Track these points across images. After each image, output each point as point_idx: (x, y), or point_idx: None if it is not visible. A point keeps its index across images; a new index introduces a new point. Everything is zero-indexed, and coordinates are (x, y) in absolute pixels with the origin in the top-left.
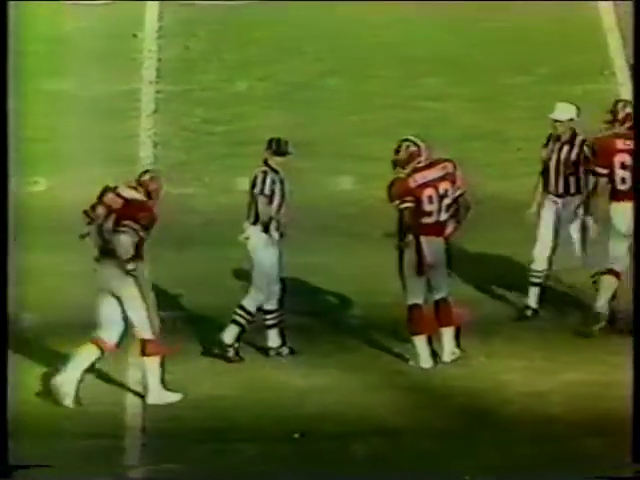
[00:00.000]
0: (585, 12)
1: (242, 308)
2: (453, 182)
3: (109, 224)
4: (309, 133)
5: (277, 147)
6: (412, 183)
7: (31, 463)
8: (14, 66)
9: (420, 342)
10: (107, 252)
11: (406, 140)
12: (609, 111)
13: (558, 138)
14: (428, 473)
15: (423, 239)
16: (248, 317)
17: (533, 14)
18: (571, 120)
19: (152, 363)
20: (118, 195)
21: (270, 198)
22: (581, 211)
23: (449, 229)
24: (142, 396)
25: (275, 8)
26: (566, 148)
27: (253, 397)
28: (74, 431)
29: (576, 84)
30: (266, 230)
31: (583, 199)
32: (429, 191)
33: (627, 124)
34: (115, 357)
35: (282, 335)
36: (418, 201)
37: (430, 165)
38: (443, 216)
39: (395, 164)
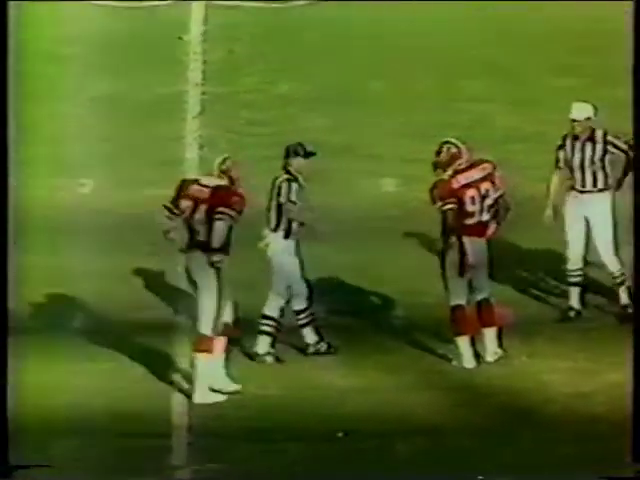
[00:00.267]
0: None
1: (265, 317)
2: (493, 183)
3: (200, 215)
4: (352, 135)
5: (303, 151)
6: (455, 184)
7: (33, 463)
8: (59, 70)
9: (463, 342)
10: (195, 244)
11: (447, 142)
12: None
13: (576, 137)
14: (469, 472)
15: (466, 240)
16: (273, 323)
17: (576, 15)
18: (588, 119)
19: (203, 360)
20: (202, 185)
21: (296, 205)
22: (608, 207)
23: (490, 230)
24: (188, 395)
25: (318, 11)
26: (589, 145)
27: (297, 397)
28: (119, 430)
29: (618, 86)
30: (287, 236)
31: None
32: (471, 192)
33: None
34: (161, 355)
35: (318, 332)
36: (461, 202)
37: (471, 166)
38: (485, 217)
39: (436, 166)
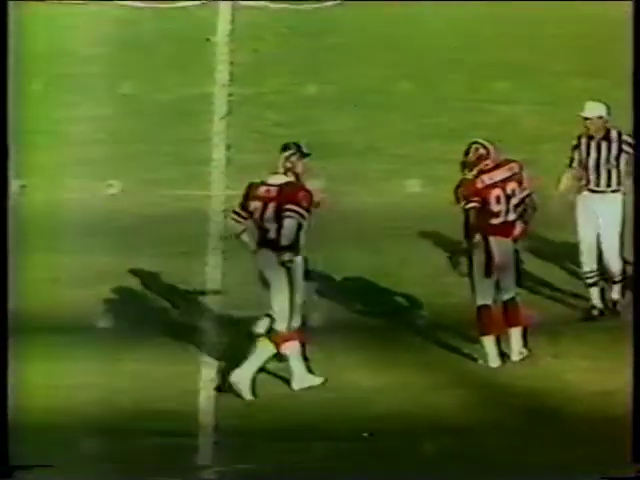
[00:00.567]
0: None
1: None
2: (520, 183)
3: (269, 213)
4: (378, 137)
5: (299, 149)
6: (479, 184)
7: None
8: (87, 71)
9: (489, 342)
10: (265, 242)
11: (475, 142)
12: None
13: (591, 137)
14: (496, 470)
15: (492, 240)
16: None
17: (604, 16)
18: (601, 117)
19: (287, 349)
20: (269, 185)
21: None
22: (619, 207)
23: (517, 230)
24: (214, 393)
25: (345, 12)
26: (604, 145)
27: (322, 397)
28: (146, 429)
29: None
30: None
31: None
32: (496, 192)
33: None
34: (188, 355)
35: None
36: (485, 202)
37: (497, 166)
38: (511, 216)
39: (464, 166)
